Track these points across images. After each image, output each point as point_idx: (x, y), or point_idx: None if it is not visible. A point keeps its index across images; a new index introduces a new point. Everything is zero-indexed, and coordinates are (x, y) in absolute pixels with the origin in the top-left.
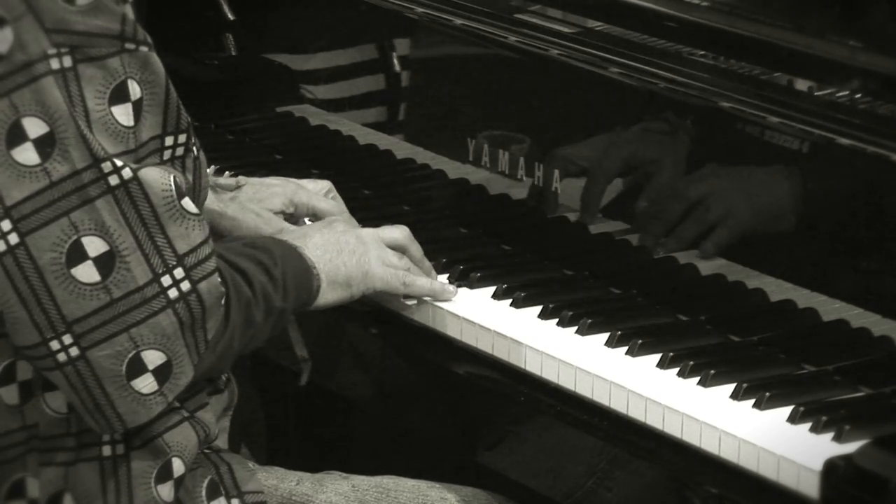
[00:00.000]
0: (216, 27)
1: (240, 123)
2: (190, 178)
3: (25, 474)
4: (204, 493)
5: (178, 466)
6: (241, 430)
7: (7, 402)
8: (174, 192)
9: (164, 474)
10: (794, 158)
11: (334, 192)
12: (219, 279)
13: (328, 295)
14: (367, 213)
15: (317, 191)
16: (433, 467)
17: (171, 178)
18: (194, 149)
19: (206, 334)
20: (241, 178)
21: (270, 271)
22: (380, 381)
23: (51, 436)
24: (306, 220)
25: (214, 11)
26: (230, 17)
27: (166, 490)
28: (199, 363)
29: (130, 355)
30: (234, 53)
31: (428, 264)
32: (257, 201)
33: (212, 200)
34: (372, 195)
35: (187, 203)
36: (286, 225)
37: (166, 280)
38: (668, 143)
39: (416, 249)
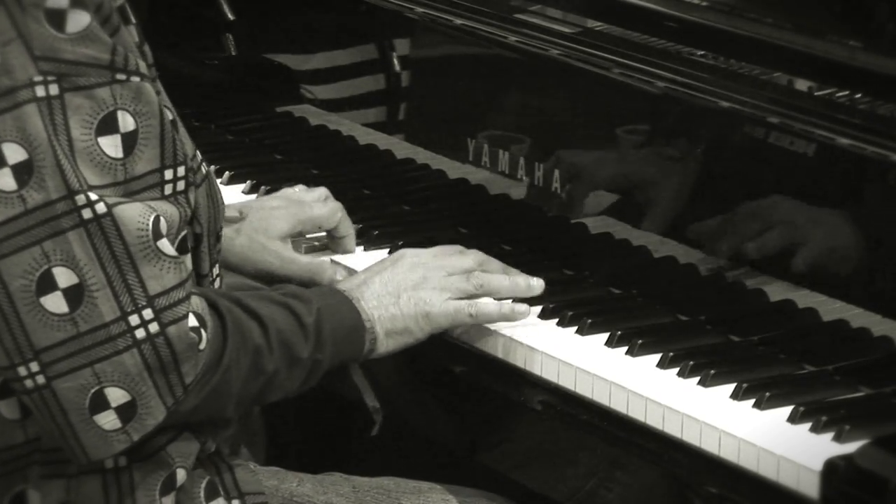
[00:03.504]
0: (216, 27)
1: (240, 123)
2: (188, 212)
3: (26, 486)
4: (202, 493)
5: (181, 477)
6: (241, 431)
7: (8, 416)
8: (150, 232)
9: (169, 485)
10: (794, 159)
11: (331, 198)
12: (191, 325)
13: (388, 344)
14: (367, 213)
15: (314, 199)
16: (434, 468)
17: (151, 218)
18: (203, 168)
19: (181, 378)
20: (244, 208)
21: (302, 321)
22: (379, 382)
23: (53, 448)
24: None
25: (214, 11)
26: (230, 17)
27: (170, 501)
28: (176, 406)
29: (93, 390)
30: (234, 53)
31: (513, 273)
32: (263, 231)
33: None
34: (372, 195)
35: (164, 244)
36: (296, 256)
37: (134, 319)
38: (667, 143)
39: (494, 267)
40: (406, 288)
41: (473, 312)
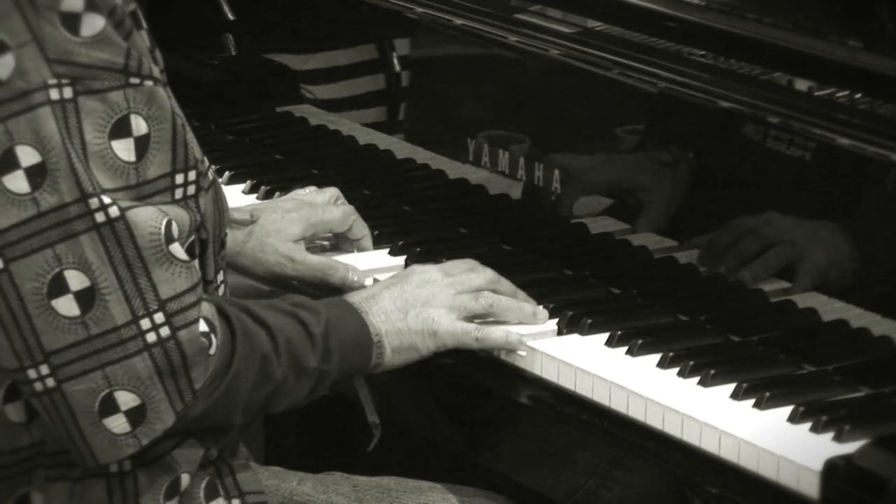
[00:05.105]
0: (216, 27)
1: (240, 123)
2: (198, 217)
3: (30, 489)
4: (202, 493)
5: (185, 481)
6: (240, 430)
7: (14, 419)
8: (162, 236)
9: (173, 490)
10: (794, 159)
11: (342, 199)
12: (202, 329)
13: (394, 359)
14: (367, 213)
15: (325, 201)
16: (434, 467)
17: (163, 222)
18: (210, 174)
19: (191, 383)
20: (255, 211)
21: (310, 331)
22: (379, 381)
23: (57, 452)
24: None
25: (214, 11)
26: (230, 17)
27: None
28: (185, 411)
29: (104, 393)
30: (234, 53)
31: (522, 296)
32: (275, 233)
33: (228, 238)
34: (372, 195)
35: (176, 248)
36: (309, 256)
37: (145, 323)
38: (667, 143)
39: (504, 287)
40: (414, 304)
41: (480, 336)
